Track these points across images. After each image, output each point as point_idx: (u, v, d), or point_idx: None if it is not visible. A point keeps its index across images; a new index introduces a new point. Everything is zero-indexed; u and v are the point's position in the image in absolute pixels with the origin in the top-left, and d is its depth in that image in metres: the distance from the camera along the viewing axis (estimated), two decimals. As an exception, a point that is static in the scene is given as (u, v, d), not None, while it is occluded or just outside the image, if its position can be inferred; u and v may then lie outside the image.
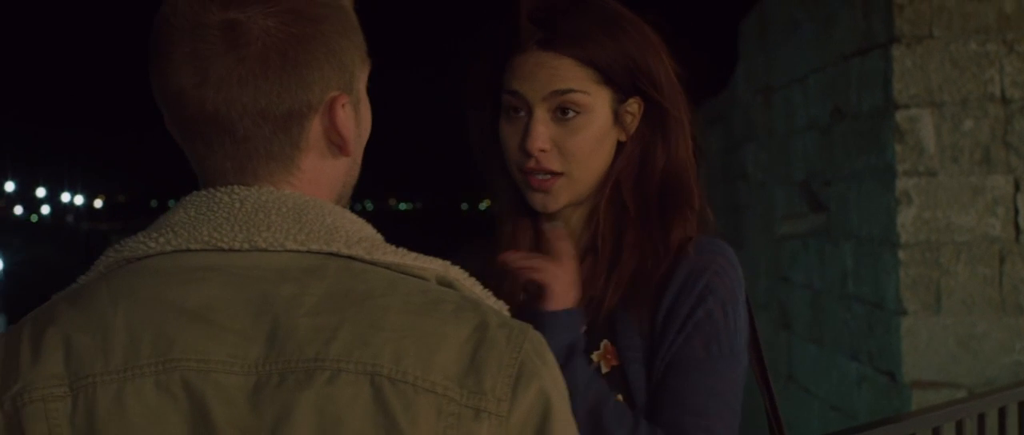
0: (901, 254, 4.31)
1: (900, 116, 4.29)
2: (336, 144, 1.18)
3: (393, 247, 1.17)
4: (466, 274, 1.18)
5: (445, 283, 1.16)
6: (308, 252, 1.13)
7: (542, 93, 1.72)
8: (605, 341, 1.72)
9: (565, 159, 1.73)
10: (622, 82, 1.75)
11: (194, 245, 1.14)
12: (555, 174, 1.74)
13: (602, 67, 1.74)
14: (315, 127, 1.16)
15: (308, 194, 1.18)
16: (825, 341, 5.39)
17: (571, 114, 1.73)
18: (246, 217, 1.14)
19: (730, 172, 7.74)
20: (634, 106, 1.77)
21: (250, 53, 1.12)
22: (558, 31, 1.73)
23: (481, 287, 1.19)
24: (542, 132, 1.72)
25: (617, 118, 1.77)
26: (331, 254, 1.14)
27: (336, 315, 1.10)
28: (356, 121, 1.21)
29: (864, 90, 4.66)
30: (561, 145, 1.73)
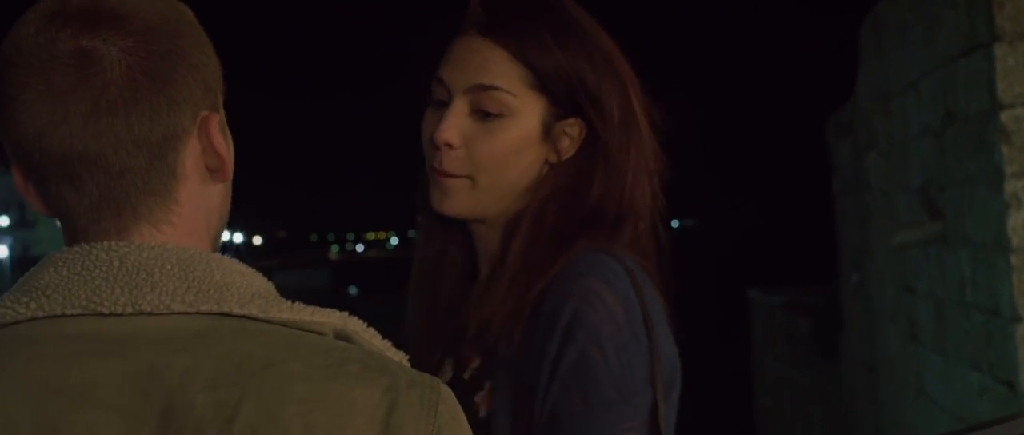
0: (1013, 259, 4.17)
1: (1005, 116, 4.15)
2: (213, 168, 1.11)
3: (287, 301, 1.08)
4: (364, 325, 1.11)
5: (344, 337, 1.08)
6: (198, 314, 1.03)
7: (465, 83, 1.54)
8: (489, 382, 1.52)
9: (473, 162, 1.55)
10: (559, 94, 1.56)
11: (70, 310, 1.03)
12: (457, 176, 1.55)
13: (538, 71, 1.54)
14: (190, 152, 1.09)
15: (189, 230, 1.09)
16: (949, 352, 5.25)
17: (492, 114, 1.54)
18: (127, 277, 1.03)
19: (858, 183, 7.59)
20: (573, 127, 1.58)
21: (114, 78, 1.04)
22: (503, 19, 1.55)
23: (380, 338, 1.11)
24: (453, 125, 1.54)
25: (548, 134, 1.57)
26: (223, 314, 1.03)
27: (237, 388, 1.00)
28: (227, 142, 1.14)
29: (971, 92, 4.53)
30: (472, 146, 1.55)
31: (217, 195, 1.14)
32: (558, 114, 1.57)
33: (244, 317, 1.04)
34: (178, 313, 1.03)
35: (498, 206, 1.59)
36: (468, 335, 1.59)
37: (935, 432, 5.55)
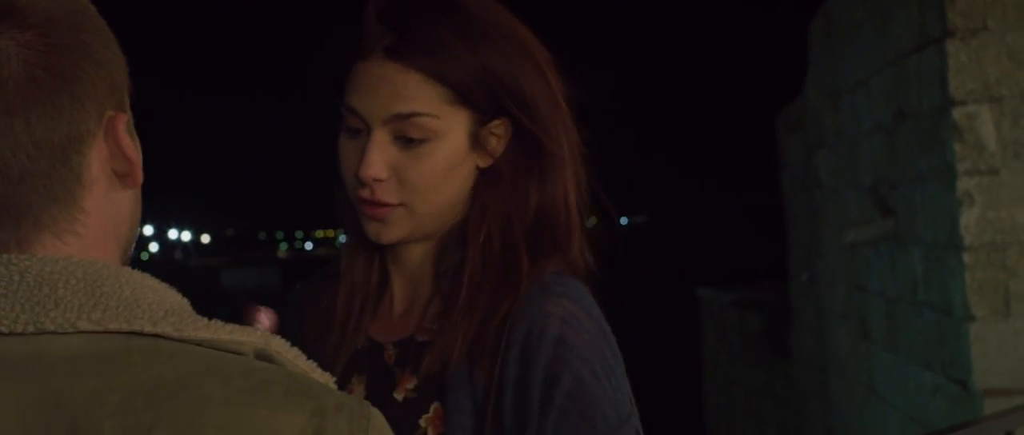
0: (966, 257, 4.13)
1: (958, 113, 4.11)
2: (122, 173, 1.02)
3: (204, 319, 0.99)
4: (288, 344, 1.02)
5: (265, 357, 0.99)
6: (105, 333, 0.95)
7: (383, 114, 1.46)
8: (436, 404, 1.45)
9: (405, 190, 1.48)
10: (482, 102, 1.48)
11: None
12: (392, 205, 1.49)
13: (456, 85, 1.46)
14: (96, 155, 1.00)
15: (96, 240, 1.00)
16: (900, 350, 5.22)
17: (417, 140, 1.46)
18: (28, 292, 0.94)
19: (808, 180, 7.57)
20: (500, 128, 1.51)
21: (11, 74, 0.95)
22: (408, 37, 1.46)
23: (305, 358, 1.02)
24: (377, 159, 1.46)
25: (476, 142, 1.50)
26: (133, 333, 0.95)
27: (148, 413, 0.91)
28: (136, 147, 1.04)
29: (923, 89, 4.49)
30: (402, 174, 1.47)
31: (126, 202, 1.05)
32: (483, 120, 1.50)
33: (156, 336, 0.96)
34: (84, 332, 0.94)
35: (437, 224, 1.53)
36: (392, 353, 1.53)
37: (886, 431, 5.53)
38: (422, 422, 1.45)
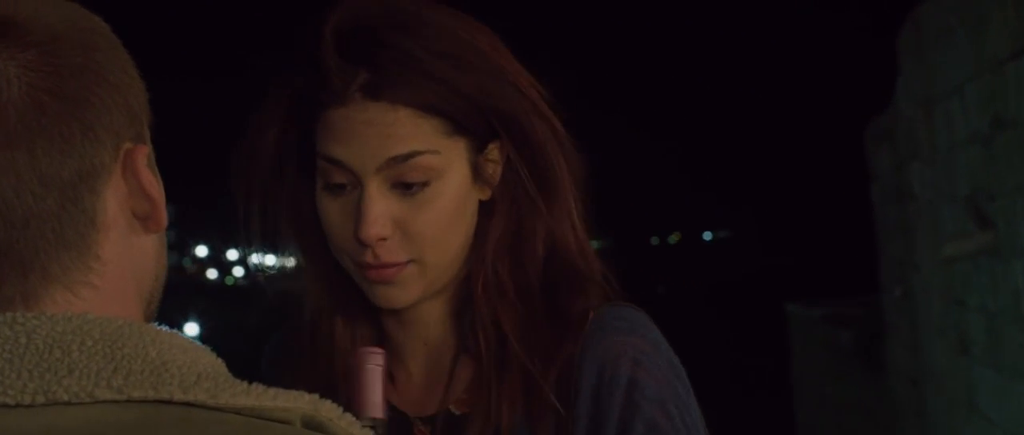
0: (1073, 270, 3.98)
1: (1061, 121, 3.97)
2: (142, 215, 0.89)
3: (243, 383, 0.85)
4: (339, 410, 0.88)
5: (315, 426, 0.86)
6: (128, 401, 0.81)
7: (375, 162, 1.27)
8: None
9: (413, 244, 1.30)
10: (478, 127, 1.30)
11: None
12: (402, 264, 1.30)
13: (450, 113, 1.28)
14: (113, 194, 0.87)
15: (115, 294, 0.87)
16: (1003, 367, 5.06)
17: (417, 186, 1.28)
18: (37, 357, 0.81)
19: (899, 192, 7.42)
20: (495, 153, 1.34)
21: (12, 100, 0.82)
22: (384, 71, 1.27)
23: (359, 426, 0.89)
24: (380, 216, 1.28)
25: (477, 173, 1.33)
26: (161, 401, 0.81)
27: None
28: (158, 184, 0.90)
29: (1022, 96, 4.35)
30: (407, 227, 1.30)
31: (149, 249, 0.92)
32: (480, 147, 1.33)
33: (188, 404, 0.82)
34: (103, 401, 0.81)
35: (450, 275, 1.36)
36: (423, 430, 1.37)
37: (990, 450, 5.38)
38: None
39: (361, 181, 1.29)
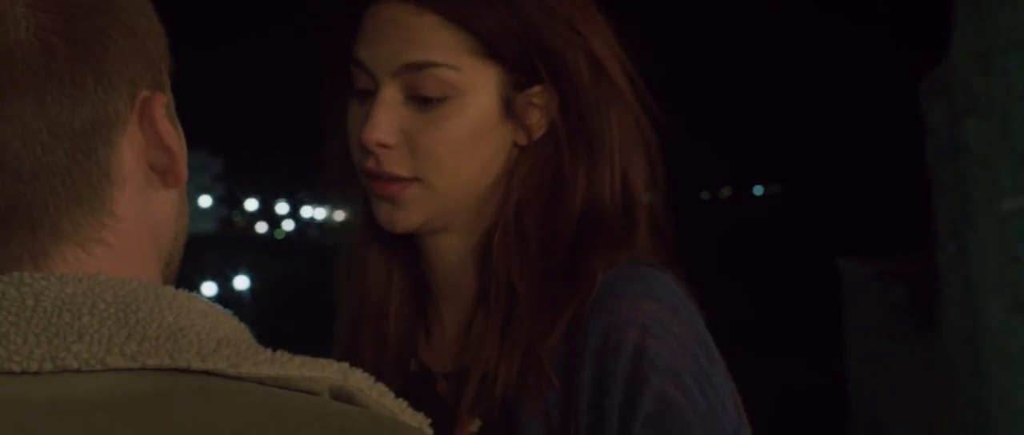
0: None
1: (1124, 74, 3.88)
2: (161, 168, 0.84)
3: (267, 351, 0.80)
4: (371, 379, 0.82)
5: (344, 396, 0.80)
6: (142, 370, 0.76)
7: (392, 66, 1.22)
8: None
9: (418, 160, 1.23)
10: (514, 58, 1.23)
11: None
12: (404, 179, 1.24)
13: (481, 32, 1.21)
14: (129, 145, 0.82)
15: (131, 252, 0.82)
16: (1060, 325, 4.99)
17: (434, 99, 1.22)
18: (45, 321, 0.76)
19: (954, 147, 7.32)
20: (542, 96, 1.26)
21: (18, 42, 0.77)
22: None
23: (392, 396, 0.83)
24: (385, 120, 1.22)
25: (510, 109, 1.25)
26: (178, 370, 0.76)
27: None
28: (178, 135, 0.85)
29: (1084, 49, 4.26)
30: (414, 140, 1.23)
31: (168, 205, 0.87)
32: (518, 83, 1.26)
33: (207, 373, 0.78)
34: (115, 369, 0.76)
35: (465, 211, 1.28)
36: (445, 386, 1.29)
37: (1045, 409, 5.31)
38: None
39: (378, 84, 1.24)
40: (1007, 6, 5.37)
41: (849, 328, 11.61)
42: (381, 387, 0.83)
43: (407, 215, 1.27)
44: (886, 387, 10.13)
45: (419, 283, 1.38)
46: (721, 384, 1.22)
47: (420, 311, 1.38)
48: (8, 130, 0.78)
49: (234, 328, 0.82)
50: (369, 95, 1.26)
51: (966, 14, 6.50)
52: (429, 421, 0.86)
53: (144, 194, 0.85)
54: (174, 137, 0.85)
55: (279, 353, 0.81)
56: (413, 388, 1.30)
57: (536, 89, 1.27)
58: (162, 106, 0.84)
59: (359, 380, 0.82)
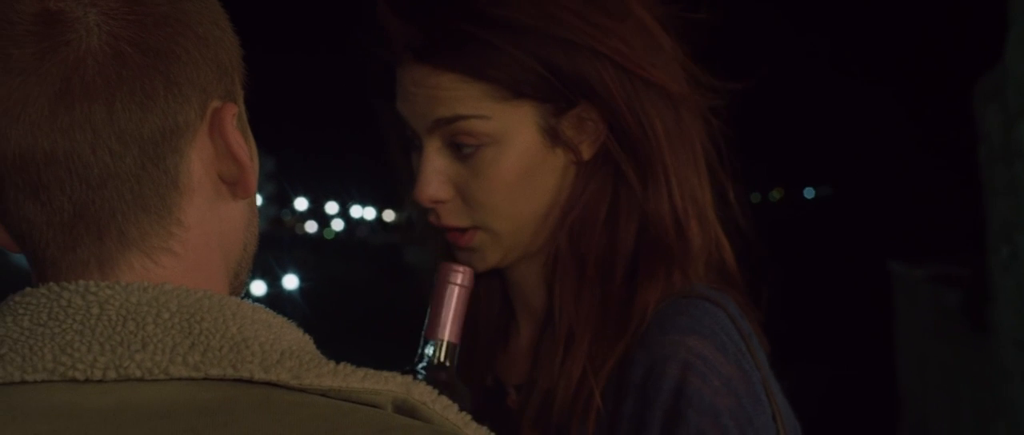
0: None
1: None
2: (230, 179, 0.84)
3: (330, 363, 0.80)
4: (434, 393, 0.83)
5: (407, 410, 0.80)
6: (205, 380, 0.77)
7: (425, 122, 1.24)
8: None
9: (474, 210, 1.26)
10: (542, 94, 1.22)
11: (32, 375, 0.77)
12: (467, 229, 1.26)
13: (502, 81, 1.21)
14: (198, 155, 0.82)
15: (197, 262, 0.82)
16: (1115, 330, 4.94)
17: (470, 149, 1.23)
18: (110, 329, 0.77)
19: (1009, 151, 7.25)
20: (591, 112, 1.25)
21: (91, 49, 0.77)
22: (433, 32, 1.22)
23: (455, 409, 0.83)
24: (433, 178, 1.24)
25: (556, 136, 1.24)
26: (240, 381, 0.77)
27: None
28: (249, 146, 0.86)
29: None
30: (465, 191, 1.25)
31: (237, 216, 0.87)
32: (557, 109, 1.25)
33: (270, 384, 0.78)
34: (179, 379, 0.78)
35: (536, 241, 1.29)
36: (515, 398, 1.31)
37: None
38: None
39: (420, 140, 1.26)
40: (1062, 8, 5.31)
41: (900, 332, 11.54)
42: (444, 400, 0.83)
43: (482, 258, 1.29)
44: (937, 391, 10.06)
45: (504, 300, 1.40)
46: (763, 426, 1.20)
47: (503, 327, 1.41)
48: (78, 136, 0.78)
49: (297, 339, 0.83)
50: (419, 146, 1.28)
51: (1020, 17, 6.43)
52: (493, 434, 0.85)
53: (212, 204, 0.85)
54: (243, 148, 0.85)
55: (342, 365, 0.81)
56: (487, 399, 1.35)
57: (580, 108, 1.27)
58: (233, 117, 0.85)
59: (422, 393, 0.82)
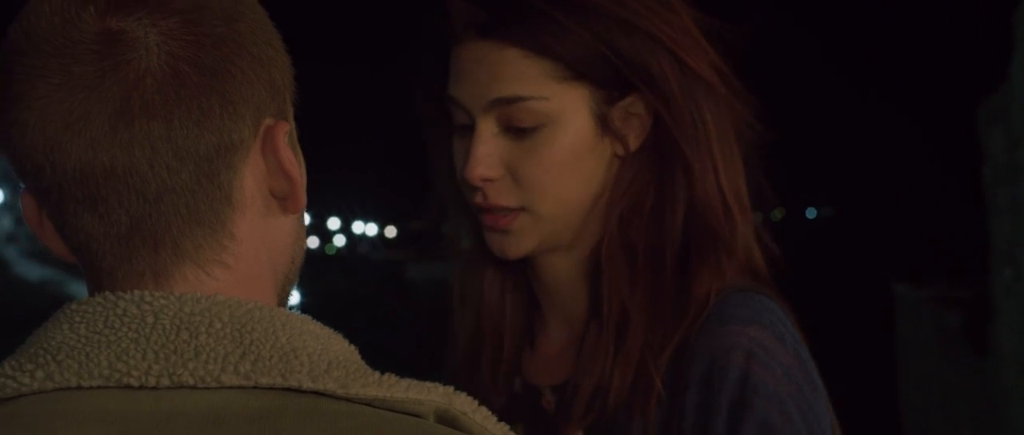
0: None
1: None
2: (281, 195, 0.86)
3: (375, 373, 0.83)
4: (475, 403, 0.85)
5: (448, 420, 0.83)
6: (256, 388, 0.79)
7: (483, 101, 1.24)
8: None
9: (523, 189, 1.25)
10: (601, 75, 1.23)
11: (88, 381, 0.79)
12: (511, 210, 1.26)
13: (565, 59, 1.22)
14: (251, 171, 0.85)
15: (248, 275, 0.84)
16: (1119, 353, 4.93)
17: (528, 129, 1.23)
18: (164, 338, 0.80)
19: (1012, 173, 7.25)
20: (638, 106, 1.27)
21: (150, 68, 0.80)
22: (499, 11, 1.23)
23: (495, 419, 0.85)
24: (484, 156, 1.24)
25: (606, 124, 1.25)
26: (289, 390, 0.79)
27: None
28: (299, 163, 0.88)
29: None
30: (516, 170, 1.25)
31: (287, 231, 0.90)
32: (610, 97, 1.26)
33: (317, 393, 0.81)
34: (230, 387, 0.80)
35: (572, 229, 1.30)
36: (550, 399, 1.31)
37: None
38: None
39: (473, 119, 1.26)
40: (1068, 30, 5.31)
41: (902, 353, 11.52)
42: (484, 410, 0.85)
43: (517, 243, 1.29)
44: (939, 413, 10.04)
45: (529, 300, 1.40)
46: (822, 413, 1.23)
47: (528, 328, 1.40)
48: (137, 152, 0.80)
49: (344, 350, 0.85)
50: (468, 130, 1.28)
51: (1026, 38, 6.44)
52: None
53: (264, 219, 0.87)
54: (295, 165, 0.88)
55: (387, 375, 0.83)
56: (516, 404, 1.34)
57: (628, 100, 1.28)
58: (284, 134, 0.87)
59: (463, 404, 0.84)
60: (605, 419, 1.25)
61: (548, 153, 1.25)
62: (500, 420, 1.07)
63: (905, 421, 11.52)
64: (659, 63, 1.26)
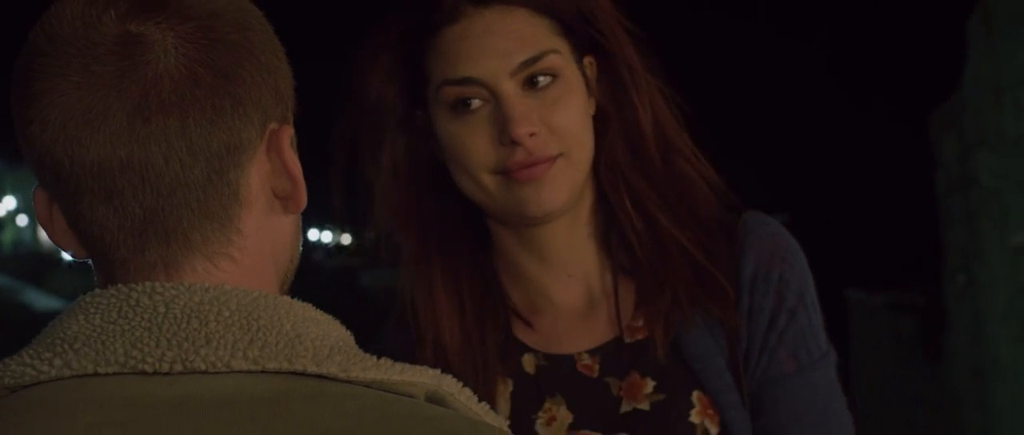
0: None
1: None
2: (283, 194, 0.91)
3: (372, 357, 0.87)
4: (459, 385, 0.90)
5: (437, 400, 0.87)
6: (263, 373, 0.83)
7: (507, 69, 1.29)
8: (697, 392, 1.33)
9: (560, 137, 1.32)
10: (579, 34, 1.34)
11: (104, 368, 0.83)
12: (553, 158, 1.31)
13: (560, 15, 1.32)
14: (257, 170, 0.89)
15: (253, 267, 0.89)
16: (1070, 359, 4.99)
17: (543, 82, 1.30)
18: (175, 326, 0.84)
19: (965, 180, 7.33)
20: (593, 68, 1.38)
21: (167, 69, 0.84)
22: None
23: (476, 400, 0.90)
24: (523, 113, 1.29)
25: (585, 78, 1.36)
26: (295, 373, 0.83)
27: None
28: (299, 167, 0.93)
29: (1097, 84, 4.27)
30: (549, 121, 1.32)
31: (288, 229, 0.95)
32: (578, 57, 1.37)
33: (321, 377, 0.85)
34: (239, 372, 0.84)
35: (581, 187, 1.38)
36: (590, 363, 1.37)
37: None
38: (693, 417, 1.33)
39: (495, 90, 1.30)
40: (1020, 39, 5.38)
41: (857, 358, 11.60)
42: (467, 391, 0.90)
43: (557, 192, 1.34)
44: (893, 418, 10.12)
45: (489, 286, 1.44)
46: (815, 307, 1.44)
47: (501, 313, 1.44)
48: (153, 147, 0.85)
49: (342, 335, 0.90)
50: (469, 107, 1.32)
51: (978, 47, 6.51)
52: (507, 422, 0.92)
53: (267, 216, 0.92)
54: (296, 167, 0.92)
55: (383, 359, 0.88)
56: (545, 378, 1.39)
57: (587, 57, 1.38)
58: (288, 138, 0.92)
59: (450, 385, 0.90)
60: (683, 357, 1.35)
61: (568, 101, 1.33)
62: (520, 402, 1.28)
63: (860, 425, 11.61)
64: (617, 30, 1.37)
